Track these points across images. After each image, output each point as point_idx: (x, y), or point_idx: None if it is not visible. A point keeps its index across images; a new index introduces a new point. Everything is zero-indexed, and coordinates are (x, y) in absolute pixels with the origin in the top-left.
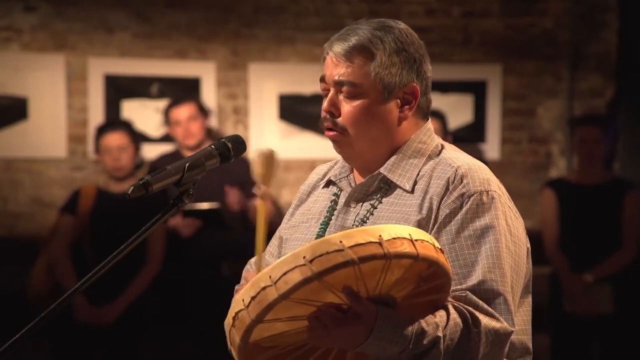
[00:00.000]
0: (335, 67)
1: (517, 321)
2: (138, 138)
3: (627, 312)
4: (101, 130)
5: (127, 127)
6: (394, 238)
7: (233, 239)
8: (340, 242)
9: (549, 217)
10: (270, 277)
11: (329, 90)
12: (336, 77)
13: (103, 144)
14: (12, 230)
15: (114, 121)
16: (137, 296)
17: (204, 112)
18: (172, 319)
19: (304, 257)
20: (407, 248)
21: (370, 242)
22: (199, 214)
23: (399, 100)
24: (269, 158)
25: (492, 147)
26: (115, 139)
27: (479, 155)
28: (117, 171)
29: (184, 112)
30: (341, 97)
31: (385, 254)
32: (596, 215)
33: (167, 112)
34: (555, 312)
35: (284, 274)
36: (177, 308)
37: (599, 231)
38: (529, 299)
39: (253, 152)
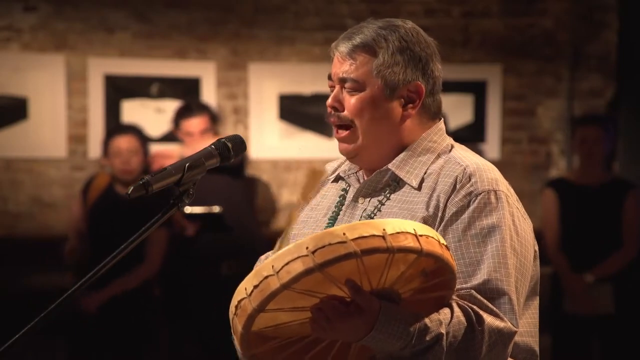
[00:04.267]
0: (341, 65)
1: (522, 323)
2: (147, 143)
3: (627, 313)
4: (111, 133)
5: (137, 131)
6: (398, 232)
7: (233, 239)
8: (344, 234)
9: (550, 217)
10: (273, 266)
11: (334, 87)
12: (340, 74)
13: (113, 146)
14: (12, 230)
15: (124, 125)
16: (122, 291)
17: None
18: (172, 318)
19: (307, 248)
20: (410, 243)
21: (374, 235)
22: (199, 217)
23: (402, 99)
24: (315, 175)
25: (492, 147)
26: (126, 142)
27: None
28: (125, 174)
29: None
30: (345, 93)
31: (388, 248)
32: (597, 215)
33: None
34: (556, 312)
35: (287, 263)
36: (176, 308)
37: (600, 231)
38: (536, 302)
39: (254, 152)
